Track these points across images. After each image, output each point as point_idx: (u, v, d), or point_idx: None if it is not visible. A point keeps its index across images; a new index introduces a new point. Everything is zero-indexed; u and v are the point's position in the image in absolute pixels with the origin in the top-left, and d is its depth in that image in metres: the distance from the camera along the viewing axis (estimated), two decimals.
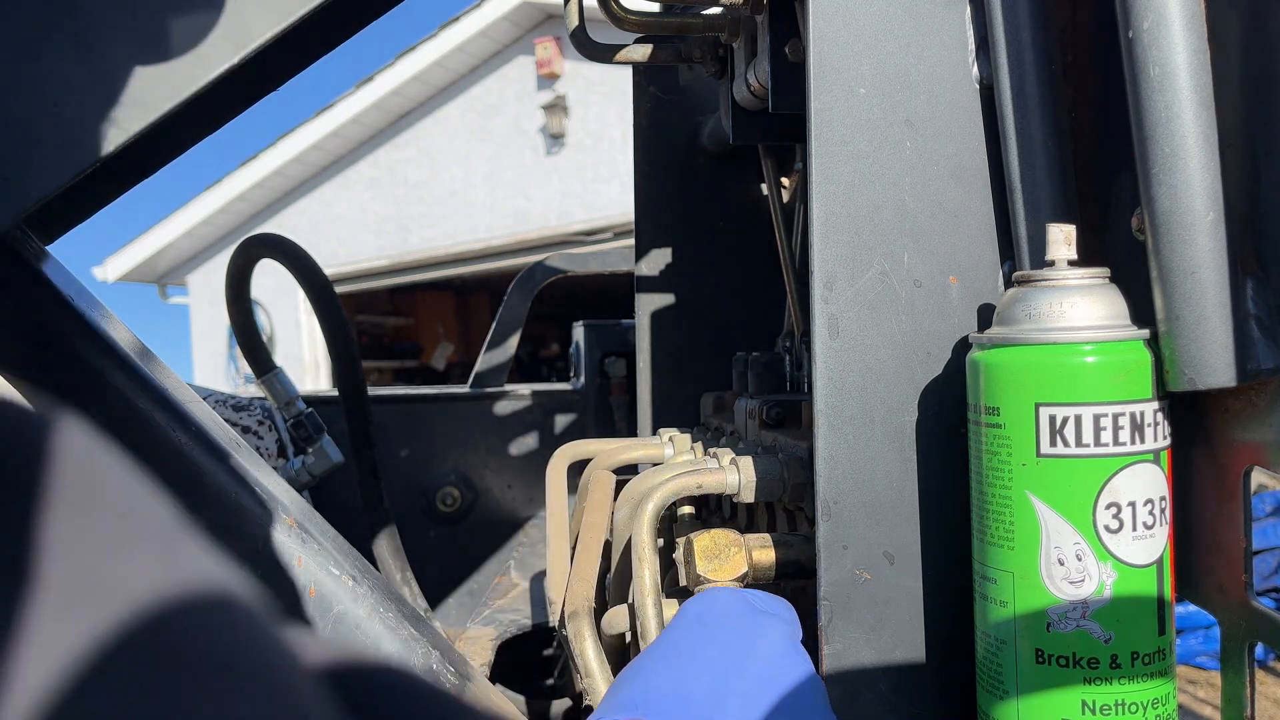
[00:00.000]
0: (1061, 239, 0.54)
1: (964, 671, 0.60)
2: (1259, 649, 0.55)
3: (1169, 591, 0.53)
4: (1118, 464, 0.52)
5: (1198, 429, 0.58)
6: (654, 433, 1.08)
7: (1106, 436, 0.52)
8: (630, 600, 0.74)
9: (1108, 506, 0.52)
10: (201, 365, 9.92)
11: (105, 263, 9.84)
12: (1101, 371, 0.52)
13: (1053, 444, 0.52)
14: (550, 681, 1.74)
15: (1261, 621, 0.54)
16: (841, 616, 0.61)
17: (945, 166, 0.62)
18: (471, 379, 2.11)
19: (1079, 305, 0.53)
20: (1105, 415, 0.52)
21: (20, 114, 0.67)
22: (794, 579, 0.76)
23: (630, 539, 0.77)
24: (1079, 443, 0.52)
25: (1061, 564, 0.52)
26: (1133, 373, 0.52)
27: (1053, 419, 0.52)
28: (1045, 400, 0.52)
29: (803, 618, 0.78)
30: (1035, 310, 0.54)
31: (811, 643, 0.63)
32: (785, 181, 1.11)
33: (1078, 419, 0.52)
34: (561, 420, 2.13)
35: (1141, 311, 0.55)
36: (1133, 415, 0.52)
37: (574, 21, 0.93)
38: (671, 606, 0.71)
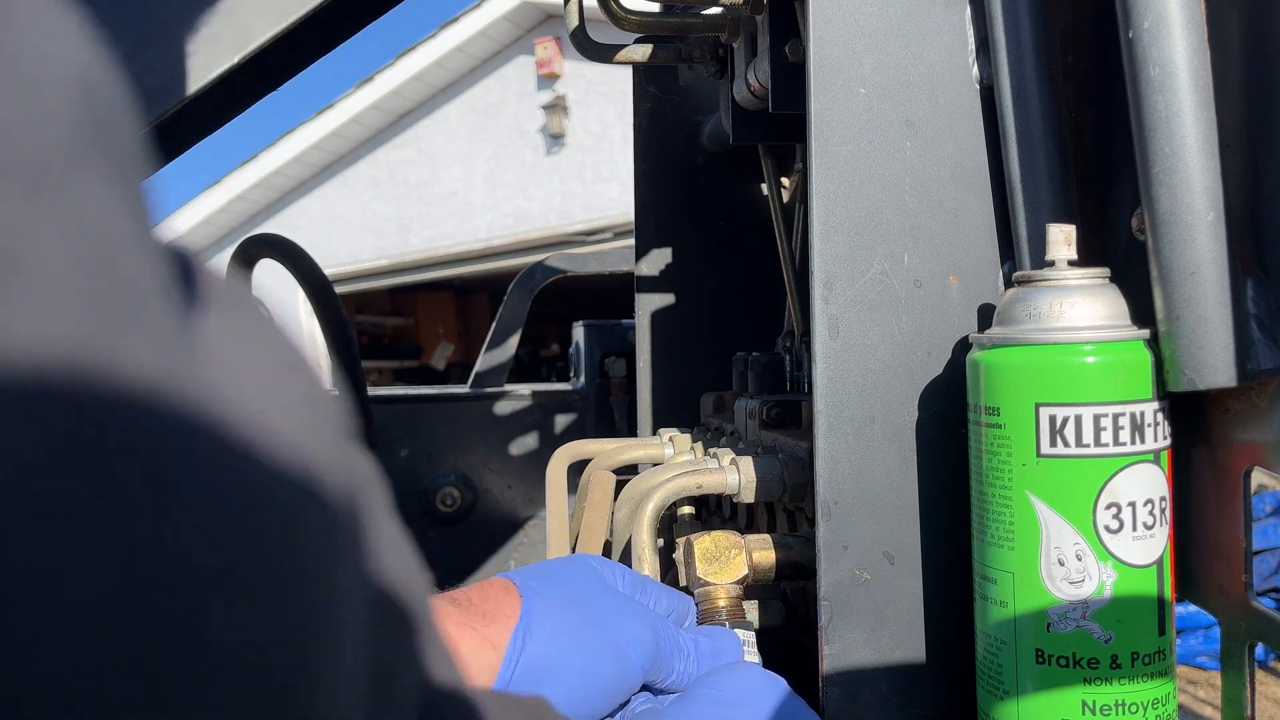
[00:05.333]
0: (1061, 239, 0.54)
1: (964, 671, 0.60)
2: (1259, 649, 0.55)
3: (1169, 592, 0.53)
4: (1118, 464, 0.52)
5: (1198, 429, 0.58)
6: (654, 433, 1.08)
7: (1106, 436, 0.52)
8: None
9: (1108, 507, 0.52)
10: None
11: None
12: (1101, 371, 0.52)
13: (1053, 444, 0.52)
14: None
15: (1262, 622, 0.54)
16: (841, 616, 0.61)
17: (945, 166, 0.62)
18: (471, 379, 2.11)
19: (1079, 305, 0.53)
20: (1105, 415, 0.52)
21: None
22: (794, 579, 0.76)
23: (630, 539, 0.77)
24: (1079, 443, 0.52)
25: (1061, 564, 0.52)
26: (1133, 373, 0.52)
27: (1053, 419, 0.52)
28: (1045, 400, 0.52)
29: (803, 618, 0.78)
30: (1035, 310, 0.54)
31: (812, 643, 0.63)
32: (785, 181, 1.11)
33: (1078, 419, 0.52)
34: (561, 420, 2.13)
35: (1141, 311, 0.55)
36: (1133, 415, 0.52)
37: (574, 21, 0.93)
38: None
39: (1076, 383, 0.52)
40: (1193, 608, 1.88)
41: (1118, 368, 0.52)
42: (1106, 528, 0.52)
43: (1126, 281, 0.56)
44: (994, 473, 0.54)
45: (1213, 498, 0.57)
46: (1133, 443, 0.52)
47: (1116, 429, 0.52)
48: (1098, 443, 0.51)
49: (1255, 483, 0.56)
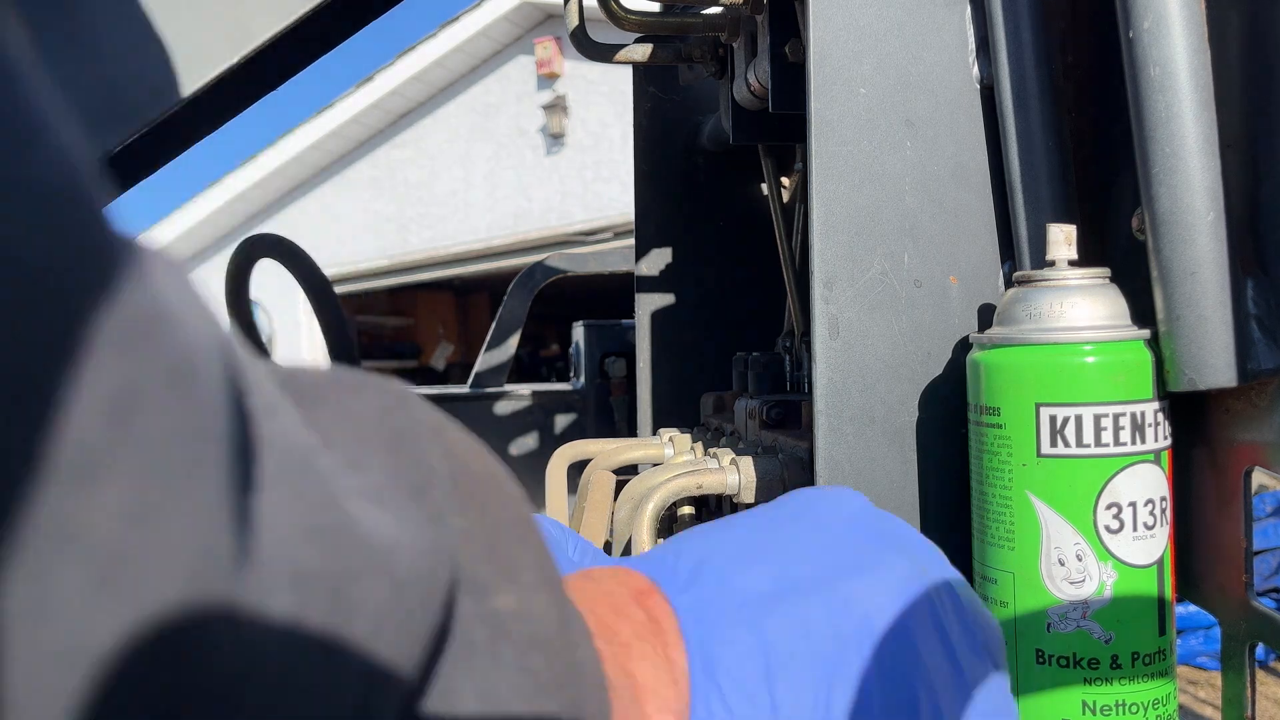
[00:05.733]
0: (1061, 239, 0.54)
1: None
2: (1259, 649, 0.55)
3: (1169, 592, 0.53)
4: (1118, 464, 0.52)
5: (1198, 429, 0.58)
6: (654, 433, 1.08)
7: (1107, 437, 0.52)
8: None
9: (1108, 507, 0.52)
10: None
11: None
12: (1102, 371, 0.52)
13: (1053, 444, 0.52)
14: None
15: (1262, 622, 0.54)
16: None
17: (945, 166, 0.62)
18: (471, 379, 2.11)
19: (1079, 305, 0.53)
20: (1106, 415, 0.52)
21: None
22: None
23: (630, 539, 0.77)
24: (1079, 443, 0.52)
25: (1062, 564, 0.52)
26: (1133, 373, 0.52)
27: (1053, 419, 0.52)
28: (1045, 400, 0.52)
29: None
30: (1035, 310, 0.54)
31: None
32: (785, 181, 1.10)
33: (1078, 419, 0.52)
34: (561, 420, 2.13)
35: (1141, 311, 0.55)
36: (1133, 415, 0.52)
37: (574, 21, 0.92)
38: None
39: (1077, 383, 0.52)
40: (1193, 608, 1.88)
41: (1118, 368, 0.52)
42: (1107, 528, 0.52)
43: (1126, 281, 0.56)
44: (994, 473, 0.54)
45: (1213, 498, 0.57)
46: (1133, 443, 0.52)
47: (1117, 429, 0.52)
48: (1098, 443, 0.51)
49: (1255, 483, 0.56)
